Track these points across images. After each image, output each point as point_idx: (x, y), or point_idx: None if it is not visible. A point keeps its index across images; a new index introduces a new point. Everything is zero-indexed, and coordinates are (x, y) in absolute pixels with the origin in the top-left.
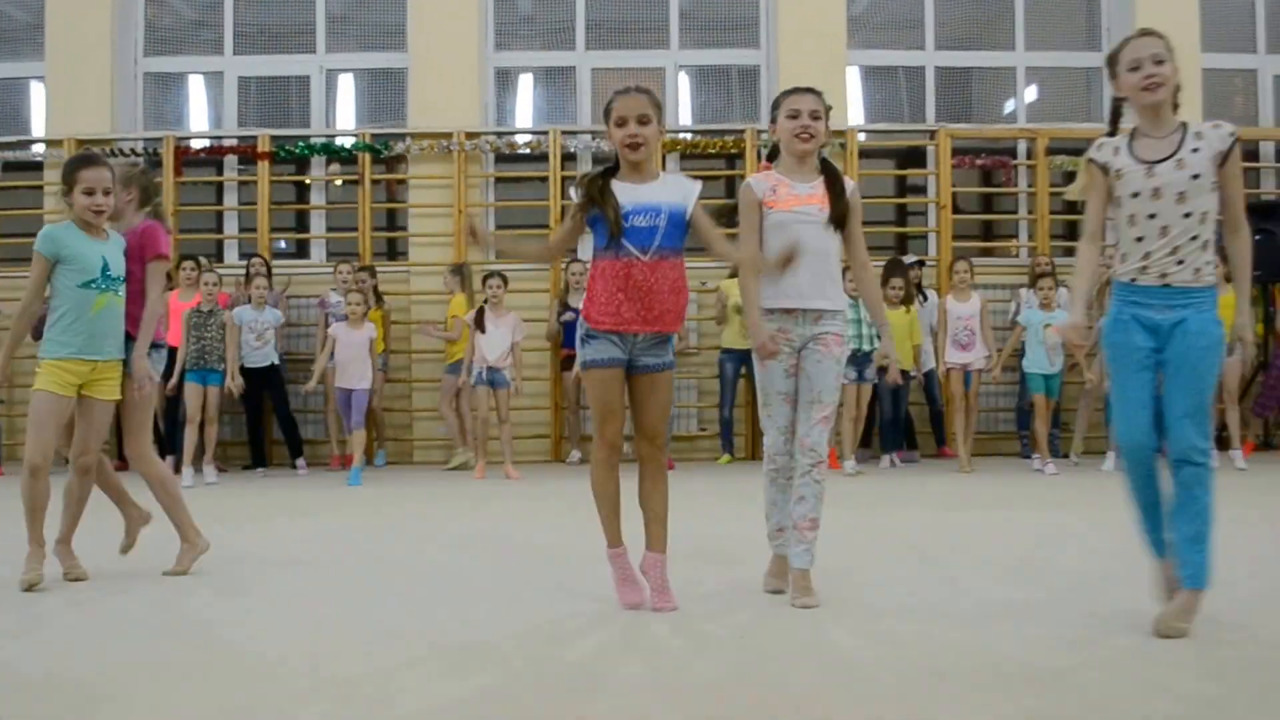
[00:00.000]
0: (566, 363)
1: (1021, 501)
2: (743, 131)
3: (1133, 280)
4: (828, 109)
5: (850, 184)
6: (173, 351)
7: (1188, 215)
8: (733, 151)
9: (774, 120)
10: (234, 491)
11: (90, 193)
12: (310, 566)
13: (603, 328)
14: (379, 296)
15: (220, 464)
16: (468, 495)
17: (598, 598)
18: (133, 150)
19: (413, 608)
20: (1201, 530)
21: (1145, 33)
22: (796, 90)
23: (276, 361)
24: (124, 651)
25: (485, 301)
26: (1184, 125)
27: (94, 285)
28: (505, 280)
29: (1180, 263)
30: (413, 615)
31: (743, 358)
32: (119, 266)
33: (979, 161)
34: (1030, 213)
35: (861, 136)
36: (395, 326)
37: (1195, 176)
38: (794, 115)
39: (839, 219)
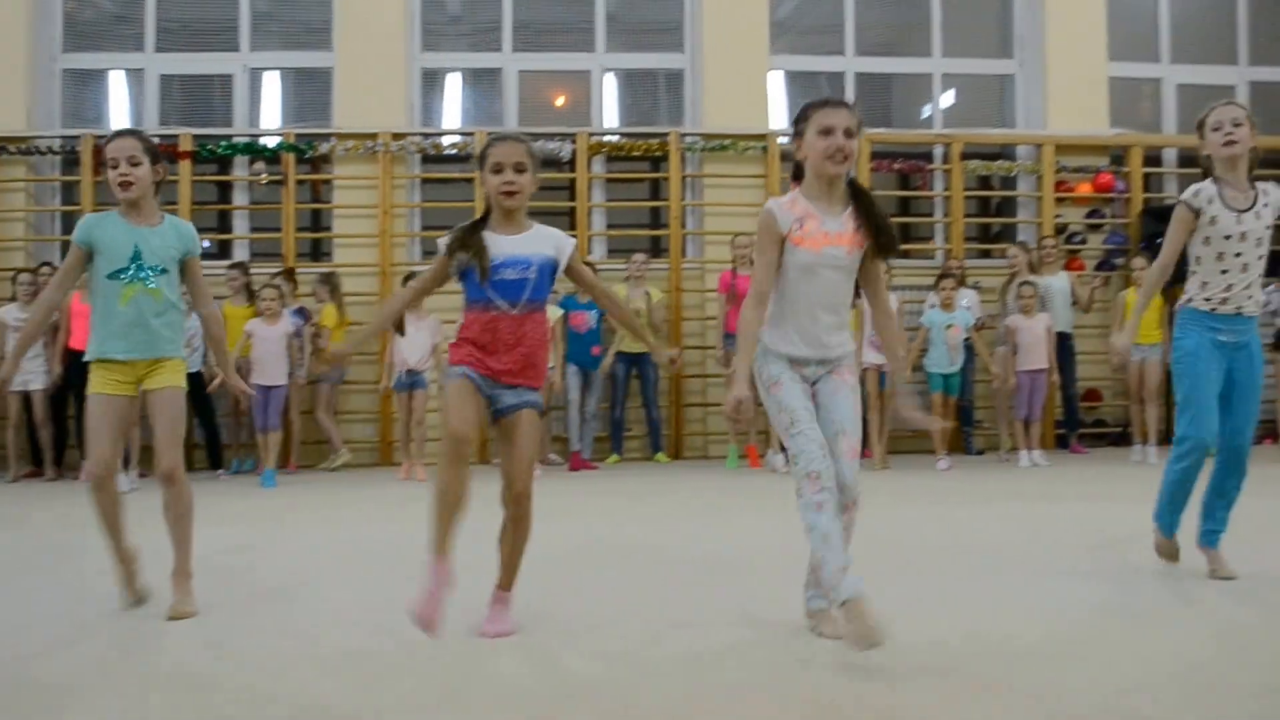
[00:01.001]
0: None
1: (951, 497)
2: (667, 134)
3: (1212, 310)
4: (860, 124)
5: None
6: (77, 354)
7: (1260, 257)
8: (658, 154)
9: (798, 134)
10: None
11: (114, 165)
12: (220, 574)
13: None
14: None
15: (142, 469)
16: (386, 500)
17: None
18: (50, 148)
19: (320, 617)
20: (1234, 501)
21: (1229, 102)
22: (828, 103)
23: (201, 368)
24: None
25: None
26: (1254, 183)
27: (122, 275)
28: None
29: (1250, 296)
30: (319, 625)
31: (633, 360)
32: (158, 256)
33: (896, 165)
34: (945, 216)
35: (784, 140)
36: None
37: (1269, 226)
38: (827, 132)
39: (885, 251)
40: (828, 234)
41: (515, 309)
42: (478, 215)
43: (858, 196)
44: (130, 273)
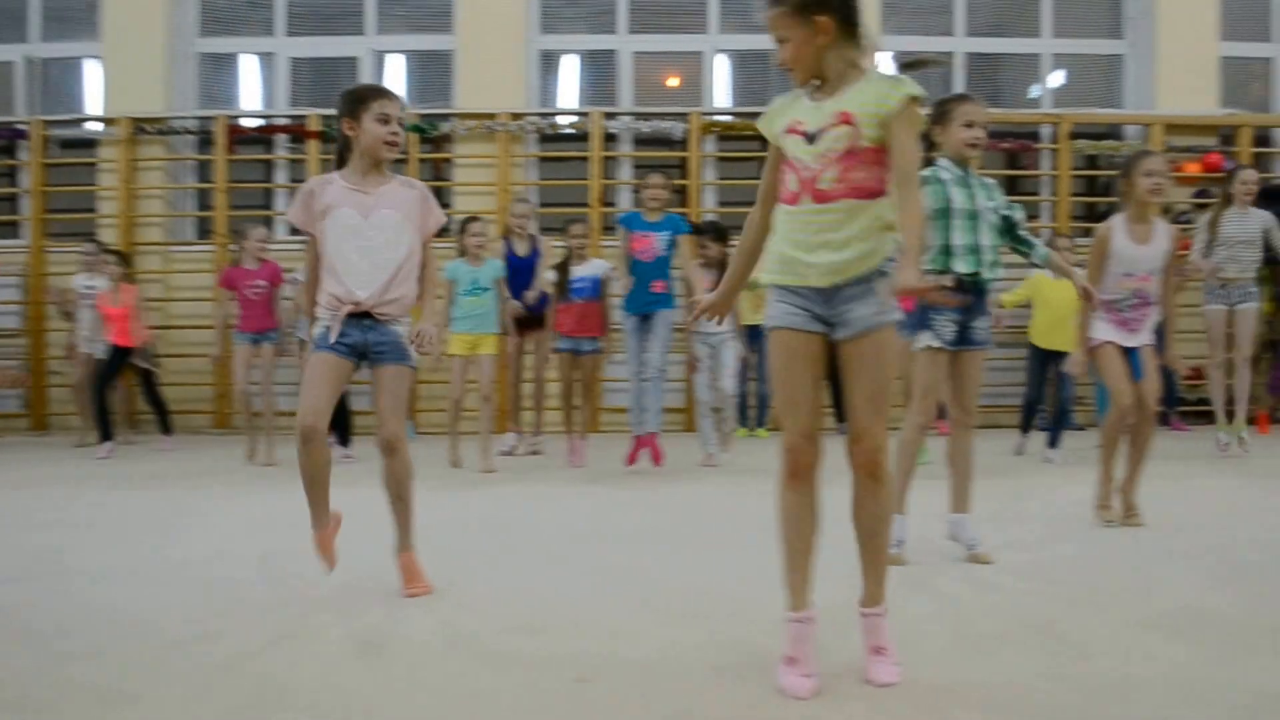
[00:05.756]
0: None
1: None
2: None
3: None
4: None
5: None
6: None
7: None
8: None
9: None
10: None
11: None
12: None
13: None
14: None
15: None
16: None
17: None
18: (185, 129)
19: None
20: None
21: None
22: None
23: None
24: None
25: None
26: None
27: None
28: None
29: None
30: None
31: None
32: None
33: (1004, 145)
34: (1052, 195)
35: None
36: None
37: None
38: (969, 125)
39: None
40: None
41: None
42: (593, 192)
43: None
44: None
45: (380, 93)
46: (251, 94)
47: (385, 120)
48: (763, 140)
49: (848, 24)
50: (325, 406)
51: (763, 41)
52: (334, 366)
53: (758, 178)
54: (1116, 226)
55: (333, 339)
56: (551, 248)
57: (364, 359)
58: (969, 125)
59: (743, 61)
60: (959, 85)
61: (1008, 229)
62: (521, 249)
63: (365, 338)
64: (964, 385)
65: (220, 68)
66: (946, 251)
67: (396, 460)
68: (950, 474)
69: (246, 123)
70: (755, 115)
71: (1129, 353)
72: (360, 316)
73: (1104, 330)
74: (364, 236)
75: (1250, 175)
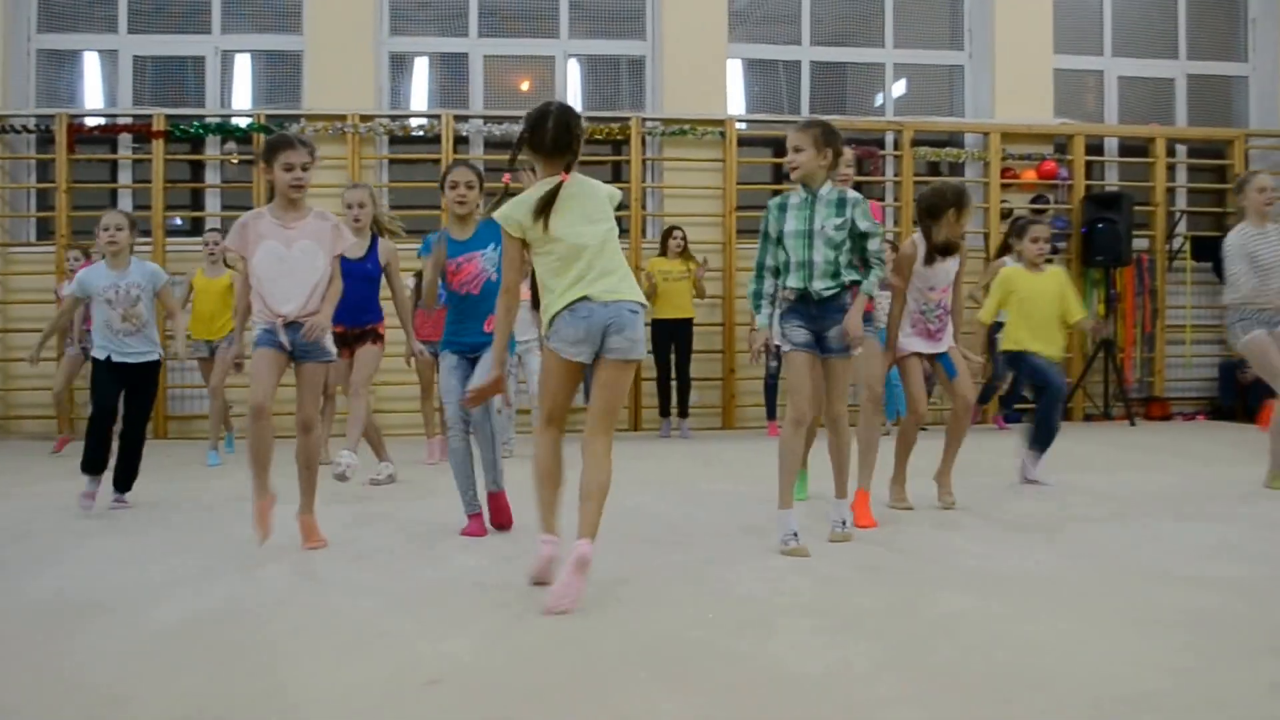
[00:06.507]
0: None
1: None
2: (629, 119)
3: None
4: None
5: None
6: None
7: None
8: (619, 138)
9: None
10: None
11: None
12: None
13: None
14: None
15: None
16: None
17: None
18: (24, 127)
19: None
20: None
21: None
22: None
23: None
24: None
25: None
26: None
27: None
28: None
29: None
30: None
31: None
32: None
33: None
34: (896, 200)
35: (741, 126)
36: None
37: None
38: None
39: None
40: None
41: None
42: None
43: None
44: None
45: (287, 145)
46: (94, 92)
47: (289, 169)
48: (614, 143)
49: (534, 150)
50: (271, 389)
51: (613, 47)
52: (273, 359)
53: (606, 180)
54: (920, 246)
55: (281, 337)
56: (394, 249)
57: (291, 356)
58: (798, 150)
59: (593, 66)
60: (805, 94)
61: (859, 246)
62: (355, 249)
63: (293, 338)
64: (830, 389)
65: (61, 65)
66: (787, 268)
67: (309, 438)
68: (831, 464)
69: (89, 121)
70: (605, 120)
71: (939, 358)
72: (289, 324)
73: (912, 342)
74: (287, 263)
75: (1266, 180)
